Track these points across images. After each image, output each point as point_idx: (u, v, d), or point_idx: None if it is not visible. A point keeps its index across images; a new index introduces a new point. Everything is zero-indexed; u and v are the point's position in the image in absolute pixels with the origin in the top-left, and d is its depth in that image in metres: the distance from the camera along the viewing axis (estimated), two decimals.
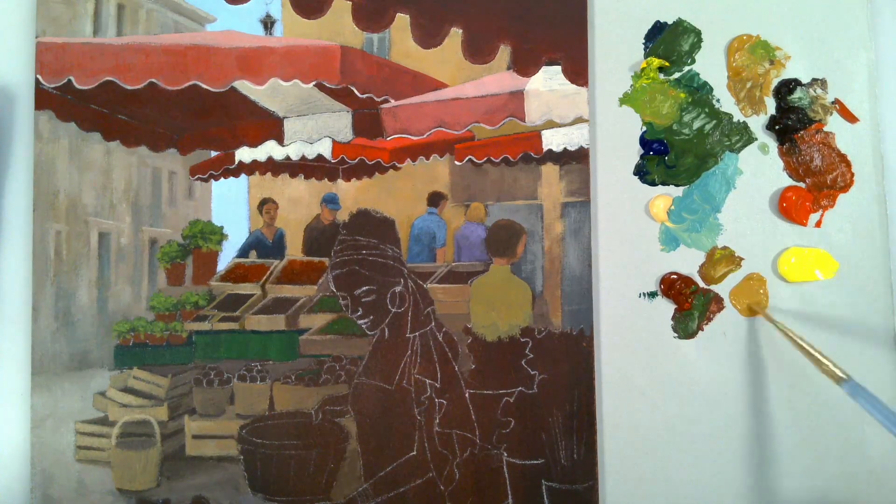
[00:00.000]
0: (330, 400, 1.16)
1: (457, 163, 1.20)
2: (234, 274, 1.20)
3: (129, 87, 1.17)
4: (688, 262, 1.19)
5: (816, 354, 1.04)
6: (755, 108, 1.22)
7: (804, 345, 1.06)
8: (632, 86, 1.21)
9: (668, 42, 1.21)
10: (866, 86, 1.22)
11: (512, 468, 1.15)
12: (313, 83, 1.19)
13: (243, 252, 1.20)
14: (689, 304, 1.18)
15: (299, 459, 1.15)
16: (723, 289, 1.19)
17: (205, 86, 1.17)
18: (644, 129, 1.20)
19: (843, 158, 1.21)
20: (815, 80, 1.22)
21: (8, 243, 1.16)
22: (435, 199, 1.20)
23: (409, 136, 1.20)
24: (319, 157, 1.21)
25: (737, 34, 1.22)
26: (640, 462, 1.16)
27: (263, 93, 1.19)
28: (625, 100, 1.21)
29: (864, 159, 1.21)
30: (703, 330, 1.18)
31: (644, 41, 1.22)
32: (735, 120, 1.21)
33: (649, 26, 1.22)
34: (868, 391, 0.95)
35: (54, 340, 1.14)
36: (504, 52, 1.21)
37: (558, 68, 1.20)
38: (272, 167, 1.20)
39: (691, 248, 1.19)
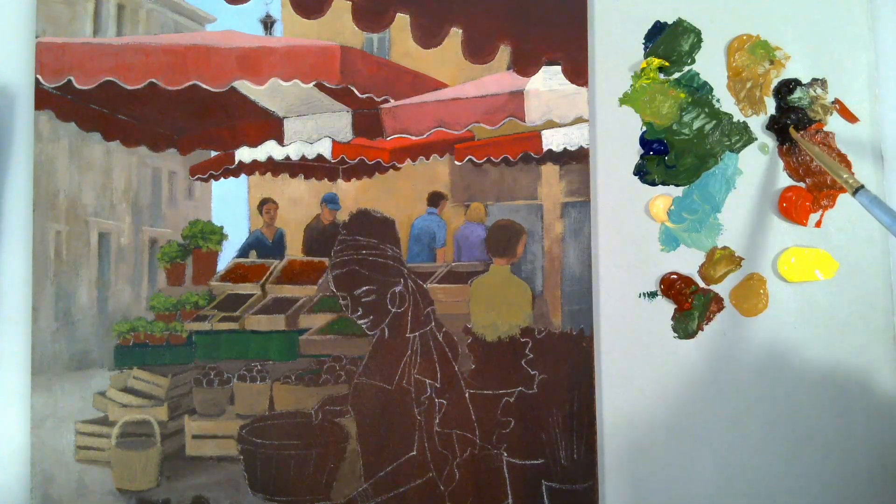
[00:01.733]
0: (330, 400, 1.16)
1: (457, 163, 1.20)
2: (234, 274, 1.20)
3: (129, 87, 1.17)
4: (688, 262, 1.19)
5: (833, 166, 1.09)
6: (755, 108, 1.22)
7: (822, 156, 1.12)
8: (632, 86, 1.21)
9: (668, 42, 1.21)
10: (866, 86, 1.22)
11: (512, 468, 1.15)
12: (313, 83, 1.19)
13: (243, 252, 1.20)
14: (689, 304, 1.18)
15: (299, 459, 1.15)
16: (723, 289, 1.19)
17: (205, 86, 1.17)
18: (644, 129, 1.20)
19: (843, 158, 1.21)
20: (815, 80, 1.22)
21: (8, 243, 1.16)
22: (435, 199, 1.20)
23: (409, 136, 1.20)
24: (319, 157, 1.21)
25: (737, 34, 1.22)
26: (640, 462, 1.16)
27: (263, 93, 1.19)
28: (625, 100, 1.21)
29: (864, 159, 1.21)
30: (703, 330, 1.18)
31: (644, 41, 1.22)
32: (735, 120, 1.21)
33: (649, 26, 1.22)
34: (880, 200, 1.01)
35: (54, 340, 1.14)
36: (504, 52, 1.21)
37: (558, 68, 1.20)
38: (272, 167, 1.20)
39: (691, 248, 1.19)
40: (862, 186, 1.02)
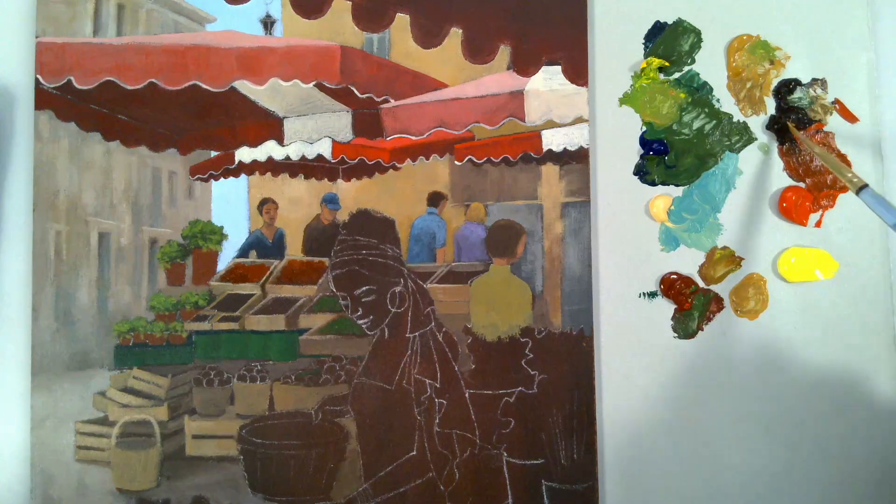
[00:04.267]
0: (330, 400, 1.16)
1: (457, 163, 1.20)
2: (234, 274, 1.20)
3: (129, 87, 1.17)
4: (688, 262, 1.19)
5: (836, 164, 1.09)
6: (755, 108, 1.22)
7: (824, 154, 1.12)
8: (632, 86, 1.21)
9: (668, 42, 1.21)
10: (866, 86, 1.22)
11: (512, 468, 1.15)
12: (313, 83, 1.19)
13: (243, 252, 1.20)
14: (689, 304, 1.18)
15: (299, 459, 1.15)
16: (723, 289, 1.19)
17: (205, 86, 1.17)
18: (644, 129, 1.20)
19: (843, 158, 1.21)
20: (815, 80, 1.22)
21: (8, 243, 1.16)
22: (435, 199, 1.20)
23: (409, 136, 1.20)
24: (319, 157, 1.21)
25: (737, 34, 1.22)
26: (640, 462, 1.16)
27: (263, 93, 1.19)
28: (625, 100, 1.21)
29: (864, 159, 1.21)
30: (703, 330, 1.18)
31: (644, 41, 1.22)
32: (735, 120, 1.21)
33: (649, 26, 1.22)
34: (884, 199, 1.01)
35: (54, 340, 1.14)
36: (504, 52, 1.21)
37: (558, 68, 1.20)
38: (272, 167, 1.20)
39: (691, 248, 1.19)
40: (866, 185, 1.02)
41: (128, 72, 1.16)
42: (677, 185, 1.20)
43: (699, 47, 1.22)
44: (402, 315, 1.18)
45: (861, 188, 1.02)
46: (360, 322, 1.18)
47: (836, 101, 1.22)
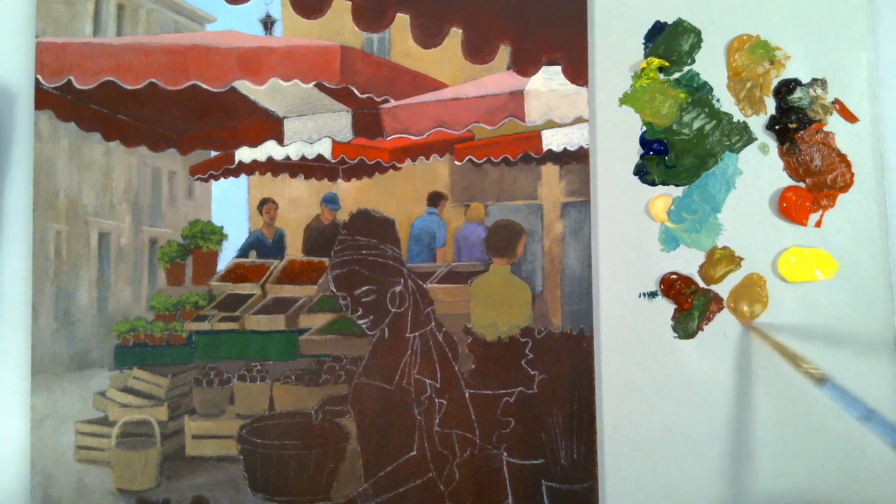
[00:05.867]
0: (330, 400, 1.16)
1: (457, 163, 1.20)
2: (234, 274, 1.20)
3: (129, 87, 1.17)
4: (688, 262, 1.19)
5: (795, 357, 1.05)
6: (755, 108, 1.22)
7: (781, 347, 1.08)
8: (632, 86, 1.21)
9: (668, 42, 1.21)
10: (866, 86, 1.22)
11: (512, 468, 1.15)
12: (313, 83, 1.19)
13: (243, 252, 1.20)
14: (689, 304, 1.18)
15: (299, 459, 1.15)
16: (723, 289, 1.19)
17: (205, 86, 1.17)
18: (644, 129, 1.20)
19: (843, 158, 1.21)
20: (815, 80, 1.22)
21: (8, 243, 1.16)
22: (435, 199, 1.20)
23: (409, 136, 1.20)
24: (319, 157, 1.21)
25: (737, 34, 1.21)
26: (640, 462, 1.16)
27: (263, 93, 1.19)
28: (625, 100, 1.21)
29: (864, 159, 1.21)
30: (703, 330, 1.18)
31: (644, 41, 1.22)
32: (735, 120, 1.21)
33: (649, 26, 1.22)
34: (848, 391, 0.94)
35: (54, 340, 1.14)
36: (504, 52, 1.21)
37: (558, 68, 1.20)
38: (272, 167, 1.20)
39: (691, 248, 1.19)
40: (827, 378, 0.98)
41: (128, 72, 1.16)
42: (677, 185, 1.20)
43: (699, 47, 1.21)
44: (402, 315, 1.18)
45: (823, 382, 0.98)
46: (360, 322, 1.18)
47: (836, 101, 1.22)
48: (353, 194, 1.20)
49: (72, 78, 1.16)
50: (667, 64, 1.21)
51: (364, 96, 1.19)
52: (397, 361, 1.17)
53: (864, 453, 1.17)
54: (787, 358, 1.07)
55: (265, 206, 1.20)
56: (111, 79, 1.16)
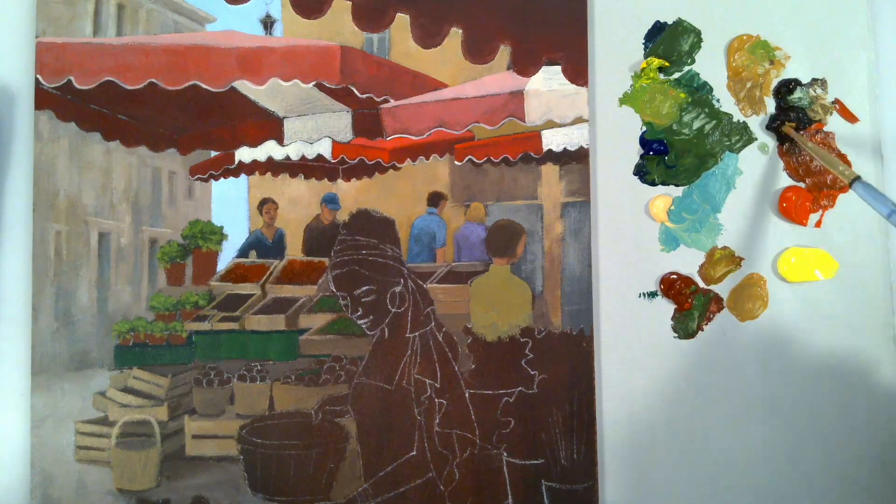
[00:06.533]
0: (330, 400, 1.16)
1: (457, 163, 1.20)
2: (234, 274, 1.20)
3: (129, 87, 1.17)
4: (688, 262, 1.19)
5: (828, 159, 1.10)
6: (755, 108, 1.22)
7: (817, 150, 1.13)
8: (632, 86, 1.21)
9: (668, 42, 1.21)
10: (866, 86, 1.22)
11: (512, 468, 1.15)
12: (313, 83, 1.19)
13: (243, 252, 1.20)
14: (689, 304, 1.18)
15: (299, 459, 1.15)
16: (723, 289, 1.19)
17: (205, 86, 1.17)
18: (644, 129, 1.20)
19: (843, 158, 1.21)
20: (815, 80, 1.22)
21: (8, 243, 1.16)
22: (435, 199, 1.20)
23: (409, 136, 1.20)
24: (319, 157, 1.21)
25: (737, 34, 1.22)
26: (640, 462, 1.16)
27: (263, 93, 1.19)
28: (625, 100, 1.21)
29: (864, 159, 1.21)
30: (703, 330, 1.18)
31: (644, 41, 1.22)
32: (735, 120, 1.21)
33: (649, 26, 1.22)
34: (877, 190, 1.02)
35: (54, 340, 1.14)
36: (504, 52, 1.21)
37: (558, 68, 1.20)
38: (272, 167, 1.20)
39: (691, 248, 1.19)
40: (858, 177, 1.03)
41: (128, 72, 1.16)
42: (677, 185, 1.20)
43: (699, 47, 1.22)
44: (402, 315, 1.18)
45: (854, 180, 1.03)
46: (360, 322, 1.18)
47: (836, 101, 1.22)
48: (353, 194, 1.20)
49: (72, 78, 1.16)
50: (667, 64, 1.21)
51: (364, 96, 1.19)
52: (397, 361, 1.17)
53: (864, 452, 1.17)
54: (822, 160, 1.12)
55: (265, 206, 1.20)
56: (111, 79, 1.16)
